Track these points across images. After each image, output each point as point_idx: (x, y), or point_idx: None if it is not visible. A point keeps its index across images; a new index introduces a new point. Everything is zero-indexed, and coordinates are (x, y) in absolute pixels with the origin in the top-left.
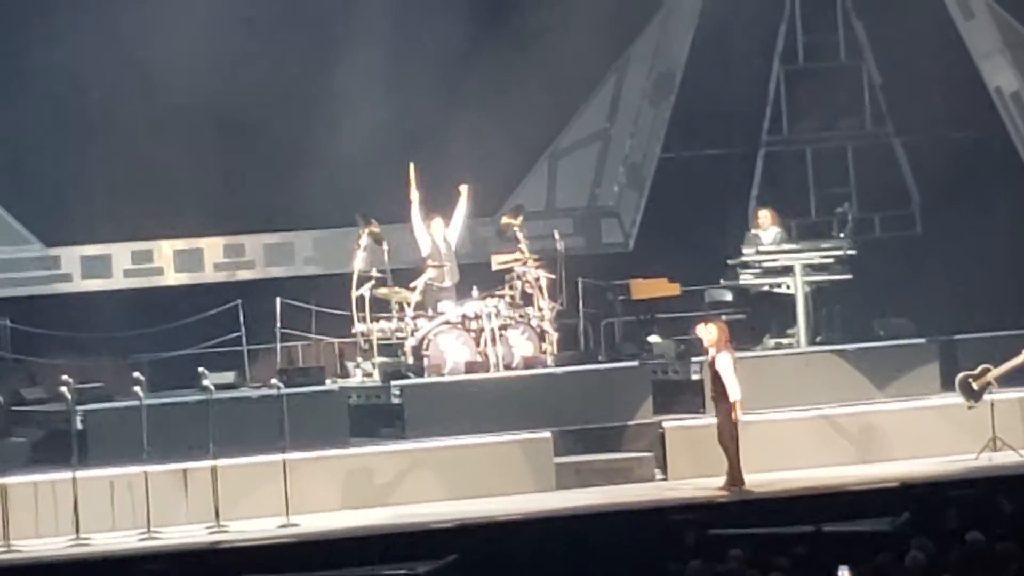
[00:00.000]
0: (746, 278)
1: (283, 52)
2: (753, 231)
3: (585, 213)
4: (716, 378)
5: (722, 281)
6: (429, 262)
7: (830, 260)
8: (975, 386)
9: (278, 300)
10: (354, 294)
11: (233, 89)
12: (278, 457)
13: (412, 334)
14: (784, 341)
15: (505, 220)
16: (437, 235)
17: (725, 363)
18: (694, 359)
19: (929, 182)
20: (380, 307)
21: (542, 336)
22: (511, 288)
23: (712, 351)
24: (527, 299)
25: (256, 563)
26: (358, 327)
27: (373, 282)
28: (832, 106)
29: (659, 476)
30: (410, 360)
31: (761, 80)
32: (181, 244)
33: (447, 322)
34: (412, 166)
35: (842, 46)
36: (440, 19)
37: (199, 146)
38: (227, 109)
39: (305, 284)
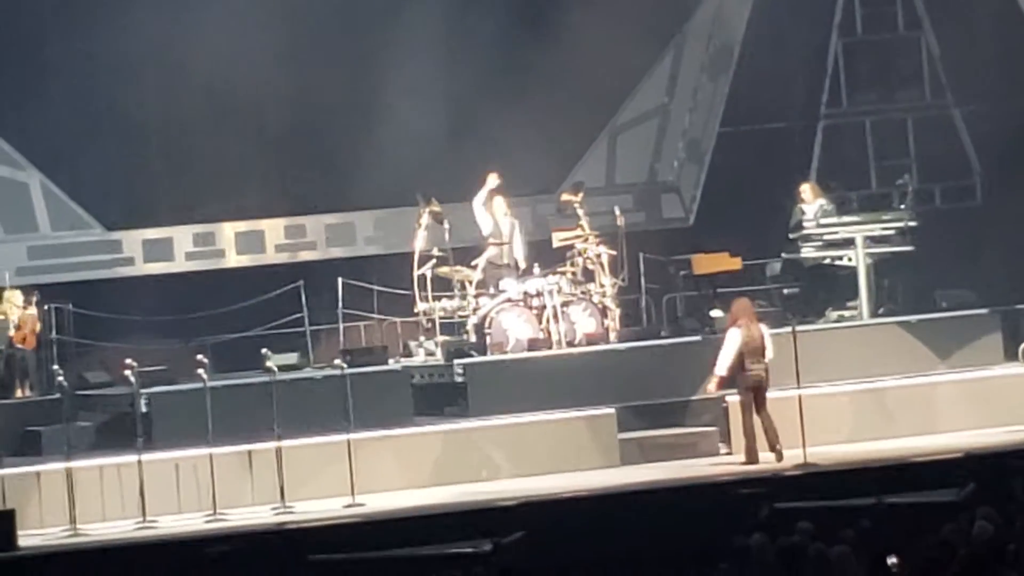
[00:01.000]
0: (807, 251)
1: (342, 36)
2: (798, 205)
3: (645, 189)
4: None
5: (783, 255)
6: (491, 240)
7: (891, 232)
8: None
9: (340, 280)
10: (415, 273)
11: (293, 73)
12: (343, 437)
13: (474, 312)
14: (846, 313)
15: (565, 197)
16: (499, 214)
17: (728, 339)
18: None
19: (989, 152)
20: (442, 286)
21: (604, 312)
22: (572, 265)
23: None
24: (588, 275)
25: (322, 543)
26: (420, 306)
27: (434, 261)
28: (891, 77)
29: (723, 450)
30: (472, 338)
31: (819, 52)
32: (242, 226)
33: (509, 300)
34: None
35: (900, 17)
36: None
37: (259, 128)
38: (287, 92)
39: (366, 264)
